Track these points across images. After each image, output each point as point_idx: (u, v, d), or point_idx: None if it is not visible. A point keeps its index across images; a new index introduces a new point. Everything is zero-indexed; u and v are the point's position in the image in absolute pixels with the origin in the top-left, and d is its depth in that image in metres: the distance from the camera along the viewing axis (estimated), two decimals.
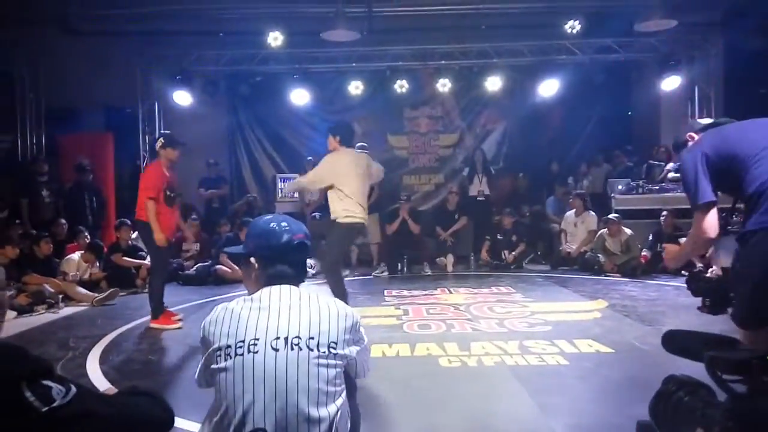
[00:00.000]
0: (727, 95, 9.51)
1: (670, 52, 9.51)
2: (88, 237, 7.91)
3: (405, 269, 8.81)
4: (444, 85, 10.11)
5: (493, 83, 9.98)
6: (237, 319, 1.75)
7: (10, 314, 5.91)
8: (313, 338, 1.72)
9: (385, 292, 6.94)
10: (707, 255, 6.39)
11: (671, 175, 8.26)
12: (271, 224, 1.91)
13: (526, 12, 9.14)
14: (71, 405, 1.23)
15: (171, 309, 5.63)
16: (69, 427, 1.24)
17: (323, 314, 1.77)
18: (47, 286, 6.54)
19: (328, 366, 1.72)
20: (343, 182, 4.65)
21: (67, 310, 6.37)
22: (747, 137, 2.37)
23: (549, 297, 6.45)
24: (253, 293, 1.85)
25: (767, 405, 1.85)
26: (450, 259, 8.99)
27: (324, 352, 1.72)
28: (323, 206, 5.62)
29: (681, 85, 9.59)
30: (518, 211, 9.70)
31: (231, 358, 1.70)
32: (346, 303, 2.20)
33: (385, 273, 8.56)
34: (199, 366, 1.82)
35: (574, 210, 8.93)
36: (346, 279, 5.95)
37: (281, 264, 1.86)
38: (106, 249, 7.81)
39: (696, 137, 2.61)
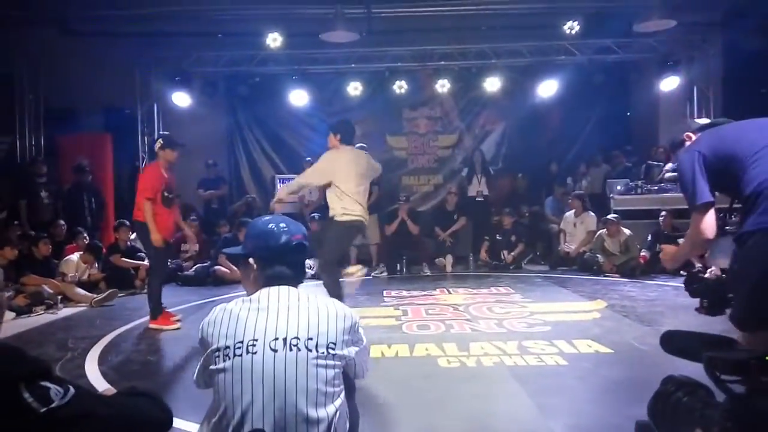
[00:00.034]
0: (726, 95, 9.52)
1: (669, 52, 9.52)
2: (87, 238, 7.90)
3: (404, 270, 8.81)
4: (443, 85, 10.11)
5: (492, 84, 9.99)
6: (236, 320, 1.75)
7: (9, 315, 5.90)
8: (311, 339, 1.72)
9: (384, 292, 6.95)
10: (706, 256, 6.39)
11: (668, 174, 8.27)
12: (270, 225, 1.91)
13: (524, 13, 9.14)
14: (70, 406, 1.23)
15: (170, 310, 5.63)
16: (67, 427, 1.24)
17: (322, 315, 1.78)
18: (46, 287, 6.54)
19: (326, 366, 1.72)
20: (342, 179, 4.62)
21: (65, 311, 6.37)
22: (745, 137, 2.36)
23: (548, 297, 6.45)
24: (251, 294, 1.85)
25: (766, 405, 1.85)
26: (449, 259, 8.99)
27: (323, 353, 1.72)
28: (322, 207, 5.60)
29: (680, 86, 9.60)
30: (517, 211, 9.71)
31: (230, 358, 1.70)
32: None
33: (384, 273, 8.56)
34: (198, 367, 1.82)
35: (573, 210, 8.93)
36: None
37: (280, 265, 1.86)
38: (104, 250, 7.82)
39: (693, 137, 2.60)
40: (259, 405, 1.66)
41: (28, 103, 9.29)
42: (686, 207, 2.47)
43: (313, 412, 1.68)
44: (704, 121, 2.78)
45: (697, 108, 9.65)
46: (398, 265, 8.79)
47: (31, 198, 8.21)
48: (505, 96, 10.40)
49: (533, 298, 6.38)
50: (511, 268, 8.81)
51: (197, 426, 1.97)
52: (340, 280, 4.73)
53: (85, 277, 7.27)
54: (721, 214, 2.41)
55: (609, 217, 8.23)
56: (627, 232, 8.06)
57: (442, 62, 9.92)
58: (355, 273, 4.84)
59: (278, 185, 10.22)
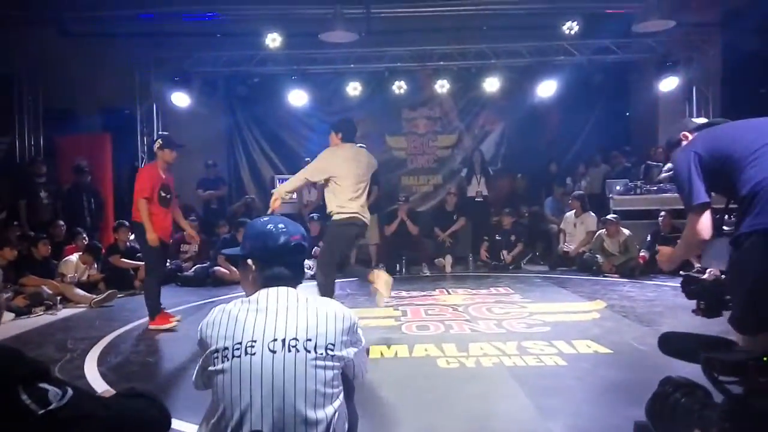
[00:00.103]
0: (725, 96, 9.52)
1: (668, 52, 9.52)
2: (86, 238, 7.91)
3: (403, 270, 8.82)
4: (442, 86, 10.11)
5: (492, 84, 9.99)
6: (234, 321, 1.75)
7: (8, 316, 5.91)
8: (310, 340, 1.72)
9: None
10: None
11: (664, 174, 8.27)
12: (268, 226, 1.91)
13: (524, 13, 9.14)
14: (68, 407, 1.23)
15: (169, 310, 5.63)
16: (66, 429, 1.24)
17: (321, 316, 1.77)
18: (45, 288, 6.54)
19: (325, 368, 1.72)
20: (339, 176, 4.62)
21: (65, 312, 6.36)
22: (741, 137, 2.34)
23: (547, 298, 6.45)
24: (250, 295, 1.85)
25: (763, 406, 1.86)
26: (448, 259, 8.99)
27: (321, 354, 1.72)
28: (321, 207, 5.61)
29: (679, 86, 9.60)
30: (517, 211, 9.72)
31: (228, 360, 1.70)
32: None
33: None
34: (197, 368, 1.82)
35: (573, 211, 8.93)
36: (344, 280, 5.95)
37: (278, 266, 1.85)
38: (104, 250, 7.82)
39: (690, 137, 2.58)
40: (258, 406, 1.66)
41: (28, 103, 9.29)
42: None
43: (311, 413, 1.68)
44: (701, 120, 2.74)
45: (696, 108, 9.65)
46: (398, 265, 8.79)
47: (30, 198, 8.21)
48: (505, 96, 10.41)
49: (532, 298, 6.38)
50: (510, 268, 8.81)
51: (196, 427, 1.97)
52: (352, 277, 4.70)
53: (84, 277, 7.27)
54: (717, 215, 2.40)
55: (608, 217, 8.23)
56: (626, 232, 8.07)
57: (442, 62, 9.92)
58: (381, 283, 4.74)
59: (277, 185, 10.22)
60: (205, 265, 8.28)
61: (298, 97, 10.05)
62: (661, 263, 2.82)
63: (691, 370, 2.12)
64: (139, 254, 7.59)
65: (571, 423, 2.96)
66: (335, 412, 1.74)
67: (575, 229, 8.86)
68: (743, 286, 2.16)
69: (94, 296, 6.77)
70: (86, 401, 1.31)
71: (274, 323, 1.73)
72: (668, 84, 9.59)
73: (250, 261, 1.90)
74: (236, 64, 9.72)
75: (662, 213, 8.00)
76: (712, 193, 2.37)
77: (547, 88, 9.99)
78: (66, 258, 7.37)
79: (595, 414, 3.10)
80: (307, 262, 7.46)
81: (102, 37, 9.15)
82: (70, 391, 1.26)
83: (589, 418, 3.04)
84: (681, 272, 6.01)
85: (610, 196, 8.83)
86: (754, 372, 1.86)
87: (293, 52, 9.51)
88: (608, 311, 5.66)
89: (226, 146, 11.14)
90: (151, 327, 5.32)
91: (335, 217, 4.67)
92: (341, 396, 1.79)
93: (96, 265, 7.56)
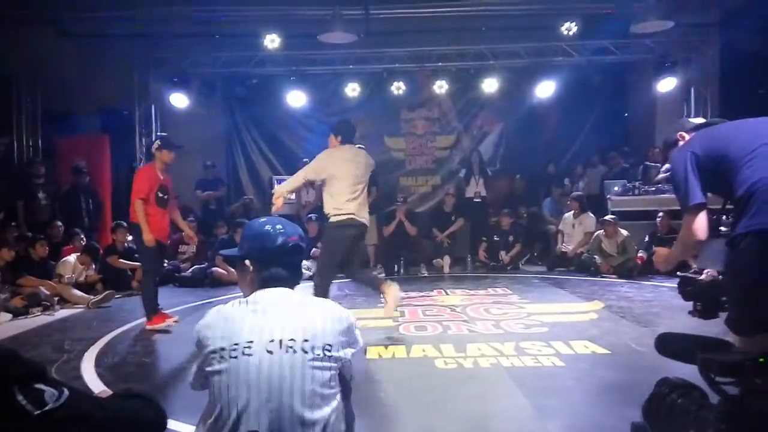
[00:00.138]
0: (723, 96, 9.53)
1: (666, 53, 9.53)
2: (84, 239, 7.90)
3: (402, 271, 8.82)
4: (441, 86, 10.12)
5: (490, 85, 9.99)
6: (231, 322, 1.75)
7: (5, 316, 5.91)
8: (307, 341, 1.72)
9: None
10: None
11: (661, 175, 8.27)
12: (266, 227, 1.90)
13: (522, 14, 9.15)
14: (64, 408, 1.23)
15: (167, 311, 5.63)
16: (62, 429, 1.24)
17: (318, 317, 1.77)
18: (43, 289, 6.53)
19: (322, 368, 1.72)
20: (337, 177, 4.63)
21: (62, 313, 6.36)
22: (738, 138, 2.32)
23: (545, 298, 6.45)
24: (248, 295, 1.85)
25: (759, 407, 1.86)
26: (446, 260, 9.00)
27: (319, 355, 1.72)
28: (319, 208, 5.61)
29: (677, 87, 9.61)
30: (515, 212, 9.72)
31: (225, 360, 1.70)
32: None
33: (382, 274, 8.55)
34: (194, 368, 1.82)
35: (572, 212, 8.94)
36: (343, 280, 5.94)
37: (276, 266, 1.85)
38: (102, 251, 7.81)
39: (686, 137, 2.57)
40: (255, 407, 1.65)
41: (26, 104, 9.28)
42: None
43: (308, 414, 1.68)
44: (698, 120, 2.73)
45: (695, 109, 9.66)
46: (396, 266, 8.79)
47: (28, 199, 8.21)
48: (503, 97, 10.42)
49: (530, 299, 6.39)
50: (508, 268, 8.82)
51: (193, 428, 1.97)
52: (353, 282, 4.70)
53: (82, 278, 7.26)
54: (714, 216, 2.40)
55: (606, 218, 8.23)
56: (624, 233, 8.08)
57: (440, 63, 9.92)
58: (390, 297, 4.77)
59: (276, 186, 10.22)
60: (203, 265, 8.28)
61: (296, 98, 10.05)
62: (657, 264, 2.82)
63: (688, 371, 2.13)
64: (136, 255, 7.60)
65: (568, 423, 2.96)
66: (332, 413, 1.73)
67: (574, 229, 8.86)
68: (739, 287, 2.16)
69: (92, 297, 6.76)
70: (82, 402, 1.31)
71: (271, 324, 1.73)
72: (666, 85, 9.60)
73: (247, 262, 1.90)
74: (235, 65, 9.72)
75: (660, 214, 8.01)
76: (709, 194, 2.36)
77: (545, 89, 10.01)
78: (64, 259, 7.36)
79: (592, 414, 3.11)
80: (306, 263, 7.48)
81: (100, 38, 9.15)
82: (66, 392, 1.26)
83: (586, 418, 3.05)
84: (678, 273, 6.02)
85: (608, 196, 8.84)
86: (750, 373, 1.86)
87: (292, 53, 9.50)
88: (606, 312, 5.66)
89: (224, 147, 11.13)
90: (148, 327, 5.31)
91: (332, 219, 4.67)
92: (338, 397, 1.79)
93: (94, 266, 7.55)
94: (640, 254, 7.94)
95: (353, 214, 4.64)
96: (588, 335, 4.63)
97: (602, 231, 8.18)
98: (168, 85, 9.64)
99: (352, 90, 10.08)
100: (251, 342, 1.70)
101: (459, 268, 9.14)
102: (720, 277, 2.45)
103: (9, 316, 5.93)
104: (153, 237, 5.23)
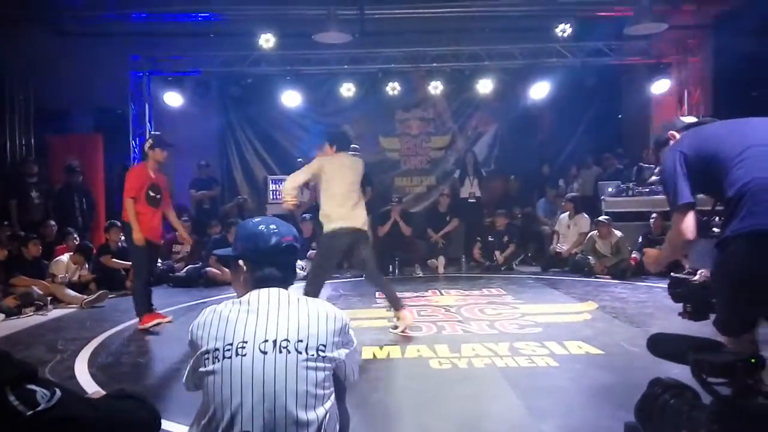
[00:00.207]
0: (716, 98, 9.58)
1: (660, 55, 9.57)
2: (78, 239, 7.86)
3: (396, 271, 8.81)
4: (436, 87, 10.13)
5: (485, 86, 10.02)
6: (225, 322, 1.74)
7: None
8: (301, 341, 1.72)
9: (377, 293, 6.92)
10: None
11: (653, 178, 8.30)
12: (260, 227, 1.90)
13: (517, 15, 9.18)
14: (56, 409, 1.23)
15: (161, 311, 5.61)
16: (54, 430, 1.23)
17: (312, 317, 1.77)
18: (36, 288, 6.50)
19: (316, 369, 1.72)
20: (332, 176, 4.67)
21: (55, 313, 6.33)
22: (728, 138, 2.31)
23: (539, 299, 6.47)
24: (242, 296, 1.85)
25: (751, 407, 1.87)
26: (441, 260, 9.00)
27: (313, 355, 1.72)
28: (314, 207, 5.61)
29: (671, 88, 9.66)
30: (510, 213, 9.74)
31: (219, 361, 1.69)
32: None
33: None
34: (188, 369, 1.82)
35: (567, 213, 8.96)
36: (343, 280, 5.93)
37: (269, 267, 1.85)
38: (95, 251, 7.77)
39: (677, 136, 2.55)
40: (249, 407, 1.65)
41: (19, 102, 9.23)
42: None
43: (302, 415, 1.68)
44: (690, 119, 2.69)
45: (688, 111, 9.70)
46: (390, 266, 8.79)
47: (21, 198, 8.17)
48: (498, 98, 10.45)
49: (525, 299, 6.40)
50: (502, 268, 8.83)
51: (186, 428, 1.97)
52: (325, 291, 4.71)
53: (75, 278, 7.23)
54: (705, 218, 2.40)
55: (600, 218, 8.26)
56: (618, 233, 8.10)
57: (435, 64, 9.94)
58: (402, 323, 4.81)
59: (270, 186, 10.22)
60: (197, 265, 8.25)
61: (291, 98, 10.05)
62: (648, 265, 2.82)
63: (680, 372, 2.14)
64: None
65: (562, 423, 2.97)
66: (326, 414, 1.73)
67: (569, 230, 8.89)
68: (728, 289, 2.16)
69: (85, 297, 6.73)
70: (75, 402, 1.30)
71: (265, 324, 1.73)
72: (660, 86, 9.65)
73: (241, 262, 1.90)
74: (229, 65, 9.70)
75: (654, 215, 8.04)
76: (702, 195, 2.36)
77: (539, 90, 10.04)
78: (57, 258, 7.33)
79: (586, 415, 3.12)
80: (300, 263, 7.48)
81: (94, 37, 9.11)
82: (58, 393, 1.25)
83: (580, 418, 3.06)
84: (672, 274, 6.03)
85: (602, 197, 8.87)
86: (742, 373, 1.87)
87: (287, 52, 9.50)
88: (600, 312, 5.68)
89: (218, 146, 11.10)
90: (141, 328, 5.30)
91: (325, 228, 4.72)
92: (332, 397, 1.79)
93: (87, 266, 7.52)
94: (633, 255, 7.97)
95: (343, 223, 4.66)
96: (582, 336, 4.64)
97: (596, 232, 8.21)
98: (162, 84, 9.62)
99: (347, 90, 10.08)
100: (245, 342, 1.70)
101: (453, 268, 9.15)
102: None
103: (2, 316, 5.89)
104: (143, 236, 5.22)
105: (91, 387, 3.65)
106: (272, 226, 1.90)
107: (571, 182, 10.08)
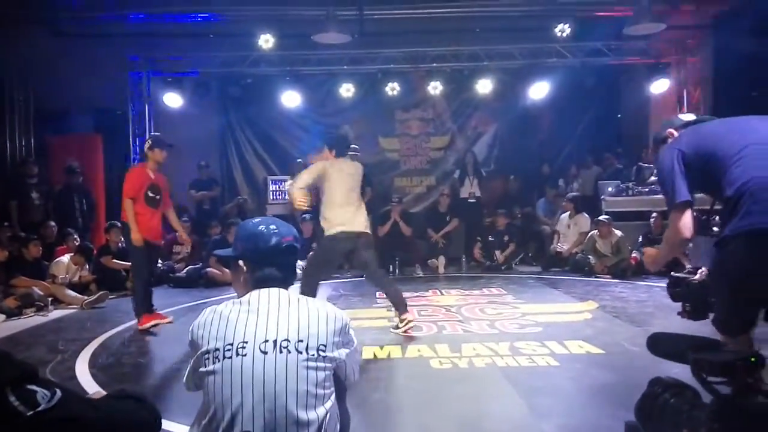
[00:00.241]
0: (716, 98, 9.57)
1: (659, 55, 9.57)
2: (78, 239, 7.85)
3: (397, 271, 8.81)
4: (435, 87, 10.13)
5: (484, 86, 10.02)
6: (225, 322, 1.74)
7: None
8: (302, 341, 1.72)
9: (377, 293, 6.92)
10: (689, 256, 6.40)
11: (653, 178, 8.30)
12: (260, 227, 1.90)
13: (516, 15, 9.17)
14: (56, 409, 1.23)
15: (161, 311, 5.62)
16: (54, 430, 1.23)
17: (312, 317, 1.77)
18: (36, 289, 6.50)
19: (317, 369, 1.72)
20: (333, 178, 4.68)
21: (56, 313, 6.33)
22: (726, 136, 2.30)
23: (540, 298, 6.47)
24: (242, 296, 1.85)
25: (752, 406, 1.87)
26: (441, 260, 9.00)
27: (313, 355, 1.72)
28: (314, 208, 5.61)
29: (670, 88, 9.66)
30: (510, 213, 9.75)
31: (219, 361, 1.69)
32: None
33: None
34: (188, 369, 1.82)
35: (568, 212, 8.97)
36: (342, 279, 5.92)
37: (269, 267, 1.85)
38: (95, 251, 7.77)
39: (676, 134, 2.54)
40: (249, 407, 1.65)
41: (19, 103, 9.22)
42: None
43: (303, 415, 1.68)
44: (689, 117, 2.68)
45: (687, 110, 9.70)
46: (391, 266, 8.78)
47: (21, 199, 8.17)
48: (497, 98, 10.45)
49: (525, 299, 6.40)
50: (503, 268, 8.83)
51: (187, 428, 1.97)
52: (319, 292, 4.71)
53: (75, 278, 7.23)
54: (704, 217, 2.39)
55: (601, 218, 8.26)
56: (618, 233, 8.10)
57: (435, 64, 9.94)
58: (405, 325, 4.81)
59: (270, 186, 10.22)
60: (197, 266, 8.25)
61: (291, 98, 10.05)
62: (647, 264, 2.81)
63: (681, 371, 2.14)
64: None
65: (562, 423, 2.97)
66: (327, 413, 1.74)
67: (569, 230, 8.89)
68: (726, 288, 2.16)
69: (86, 297, 6.73)
70: (75, 403, 1.30)
71: (265, 324, 1.73)
72: (659, 86, 9.65)
73: (241, 262, 1.90)
74: (229, 65, 9.70)
75: (654, 214, 8.04)
76: (701, 194, 2.36)
77: (539, 90, 10.04)
78: (57, 259, 7.32)
79: (586, 414, 3.12)
80: (300, 263, 7.47)
81: (94, 38, 9.10)
82: (58, 393, 1.25)
83: (580, 418, 3.06)
84: (672, 273, 6.03)
85: (602, 197, 8.87)
86: (742, 372, 1.87)
87: (286, 53, 9.50)
88: (600, 312, 5.68)
89: (218, 147, 11.10)
90: (140, 328, 5.30)
91: (325, 232, 4.73)
92: (333, 397, 1.79)
93: (87, 266, 7.52)
94: (633, 254, 7.97)
95: (343, 227, 4.66)
96: (582, 335, 4.65)
97: (596, 231, 8.21)
98: (162, 85, 9.62)
99: (347, 90, 10.08)
100: (245, 342, 1.70)
101: (454, 268, 9.15)
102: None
103: (2, 316, 5.89)
104: (141, 236, 5.23)
105: (91, 387, 3.65)
106: (272, 227, 1.90)
107: (570, 182, 10.08)
